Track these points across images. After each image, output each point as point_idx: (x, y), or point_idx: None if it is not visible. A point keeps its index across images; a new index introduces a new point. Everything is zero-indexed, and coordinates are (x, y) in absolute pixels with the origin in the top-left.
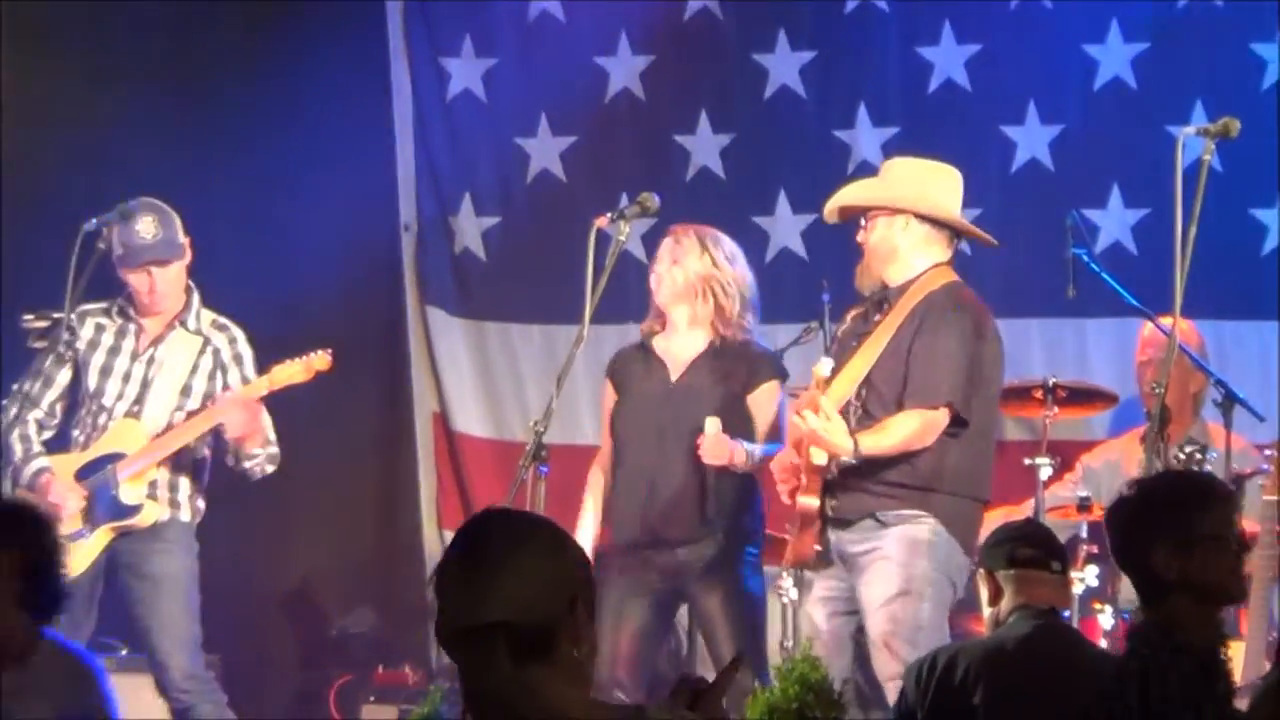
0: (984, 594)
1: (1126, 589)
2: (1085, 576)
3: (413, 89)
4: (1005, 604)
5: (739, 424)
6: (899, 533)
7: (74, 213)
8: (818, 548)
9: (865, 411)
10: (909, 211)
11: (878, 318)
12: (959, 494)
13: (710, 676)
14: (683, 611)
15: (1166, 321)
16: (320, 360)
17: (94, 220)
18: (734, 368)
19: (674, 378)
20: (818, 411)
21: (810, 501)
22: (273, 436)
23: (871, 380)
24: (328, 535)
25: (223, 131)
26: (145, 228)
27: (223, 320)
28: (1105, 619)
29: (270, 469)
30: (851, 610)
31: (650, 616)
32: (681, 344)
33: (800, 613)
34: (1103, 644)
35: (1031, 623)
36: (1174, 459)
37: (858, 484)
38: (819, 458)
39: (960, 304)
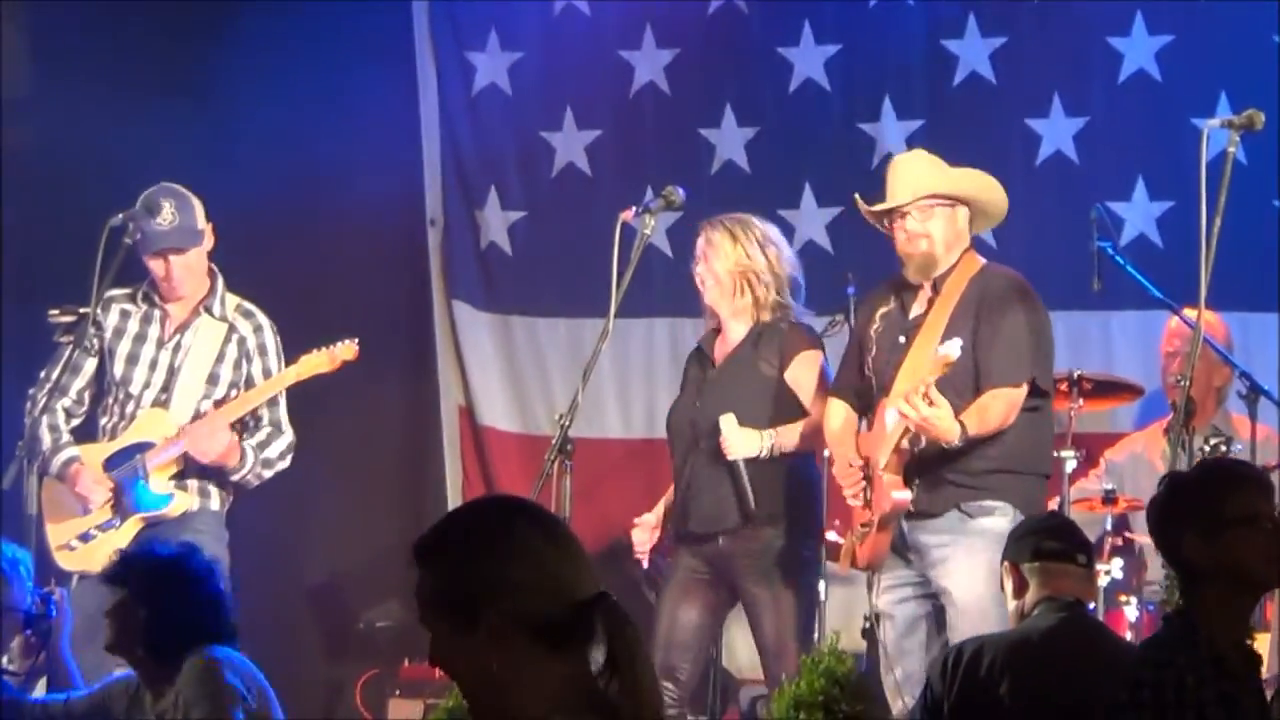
0: (1009, 587)
1: (1152, 581)
2: (1111, 569)
3: (438, 84)
4: (1030, 597)
5: (782, 405)
6: (983, 526)
7: (97, 206)
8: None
9: (931, 401)
10: (970, 202)
11: (922, 309)
12: (1032, 472)
13: (741, 672)
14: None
15: (1191, 314)
16: (346, 350)
17: (120, 216)
18: (767, 350)
19: (713, 369)
20: (927, 399)
21: (904, 495)
22: (277, 448)
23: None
24: (353, 529)
25: (250, 127)
26: (163, 215)
27: (248, 306)
28: (1130, 611)
29: (266, 475)
30: (924, 595)
31: (703, 607)
32: (728, 339)
33: (823, 608)
34: (1128, 636)
35: (1057, 615)
36: (1198, 451)
37: (939, 475)
38: (887, 450)
39: (1012, 282)
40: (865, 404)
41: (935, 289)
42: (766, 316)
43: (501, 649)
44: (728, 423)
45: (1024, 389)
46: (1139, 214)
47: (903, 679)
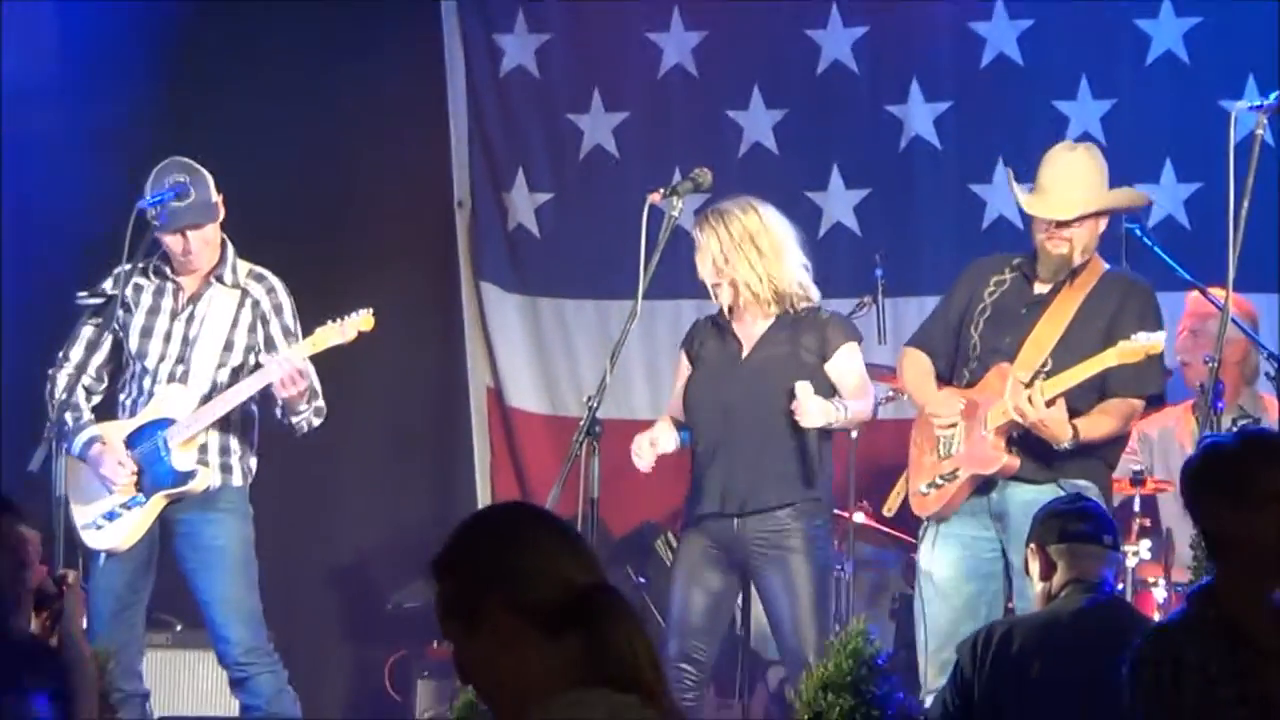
0: (1035, 569)
1: (1180, 562)
2: (1139, 550)
3: (466, 66)
4: (1058, 579)
5: (822, 395)
6: None
7: (114, 182)
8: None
9: (1051, 375)
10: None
11: (1047, 289)
12: (1111, 463)
13: (768, 653)
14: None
15: (1218, 293)
16: (364, 321)
17: (147, 198)
18: (807, 339)
19: (745, 354)
20: (1034, 401)
21: (1014, 461)
22: (318, 388)
23: (1062, 349)
24: (382, 510)
25: (278, 109)
26: (180, 192)
27: (259, 270)
28: (1159, 592)
29: (317, 422)
30: (991, 561)
31: (716, 587)
32: (751, 326)
33: (849, 584)
34: (1156, 618)
35: (1084, 596)
36: (1226, 431)
37: (1046, 446)
38: (1004, 415)
39: (1148, 289)
40: (949, 366)
41: (1067, 277)
42: (778, 310)
43: (506, 640)
44: (804, 389)
45: (1143, 401)
46: (1167, 196)
47: (946, 661)
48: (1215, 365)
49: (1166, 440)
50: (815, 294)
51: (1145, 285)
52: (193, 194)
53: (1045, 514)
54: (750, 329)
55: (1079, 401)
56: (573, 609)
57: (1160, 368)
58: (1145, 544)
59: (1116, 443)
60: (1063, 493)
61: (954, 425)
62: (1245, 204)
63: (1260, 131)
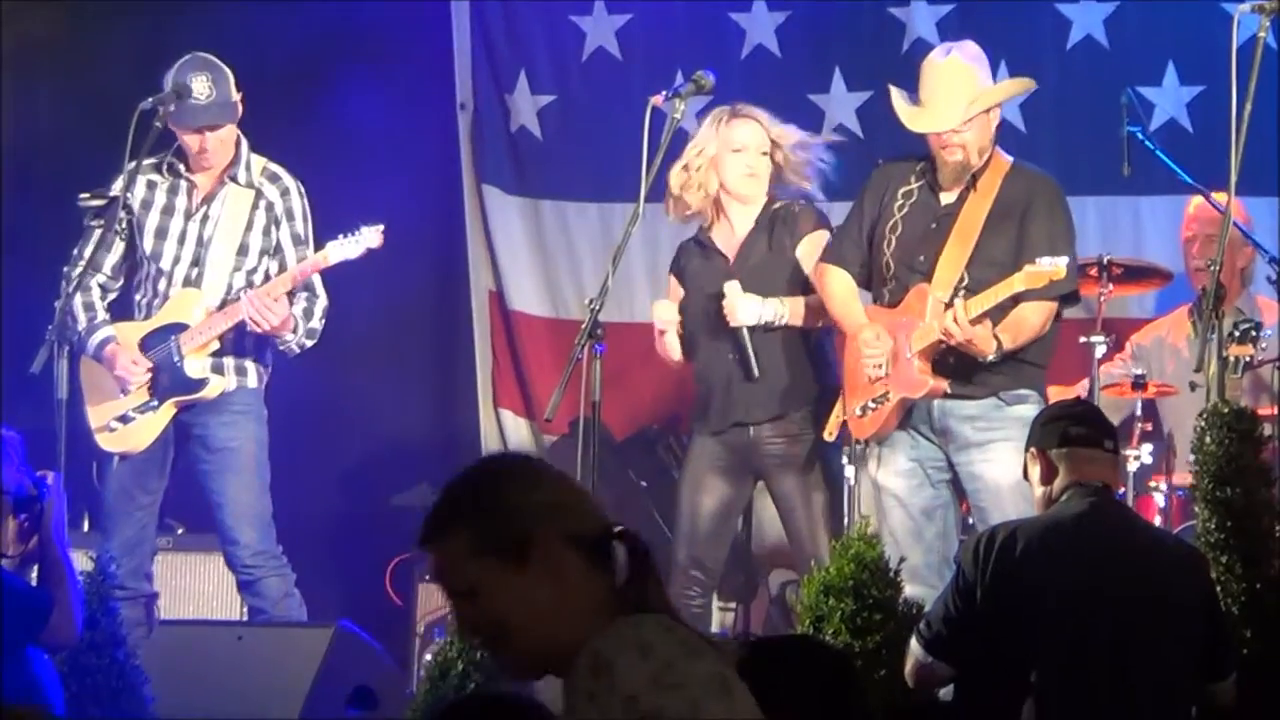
0: (1035, 473)
1: (1181, 466)
2: (1140, 454)
3: None
4: (1059, 482)
5: (797, 286)
6: (1016, 414)
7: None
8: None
9: (970, 291)
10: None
11: (954, 199)
12: (1045, 365)
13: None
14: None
15: (1220, 198)
16: (372, 236)
17: (149, 100)
18: (781, 232)
19: (730, 266)
20: (959, 321)
21: (942, 383)
22: (317, 309)
23: (975, 258)
24: (384, 414)
25: (274, 9)
26: (200, 88)
27: (273, 168)
28: (1159, 497)
29: (308, 343)
30: (944, 480)
31: (725, 494)
32: (734, 229)
33: (856, 491)
34: (1157, 522)
35: (1086, 500)
36: (1227, 337)
37: (976, 362)
38: (928, 337)
39: (1054, 190)
40: (866, 275)
41: (969, 183)
42: (773, 203)
43: (555, 573)
44: (732, 289)
45: (1058, 303)
46: (1169, 99)
47: (913, 568)
48: (1217, 270)
49: (1160, 347)
50: (802, 185)
51: (1048, 184)
52: (211, 92)
53: (1045, 418)
54: (731, 237)
55: (995, 309)
56: (606, 542)
57: (1071, 273)
58: (1147, 448)
59: (1042, 345)
60: (1004, 404)
61: (883, 354)
62: (1248, 107)
63: (1263, 34)
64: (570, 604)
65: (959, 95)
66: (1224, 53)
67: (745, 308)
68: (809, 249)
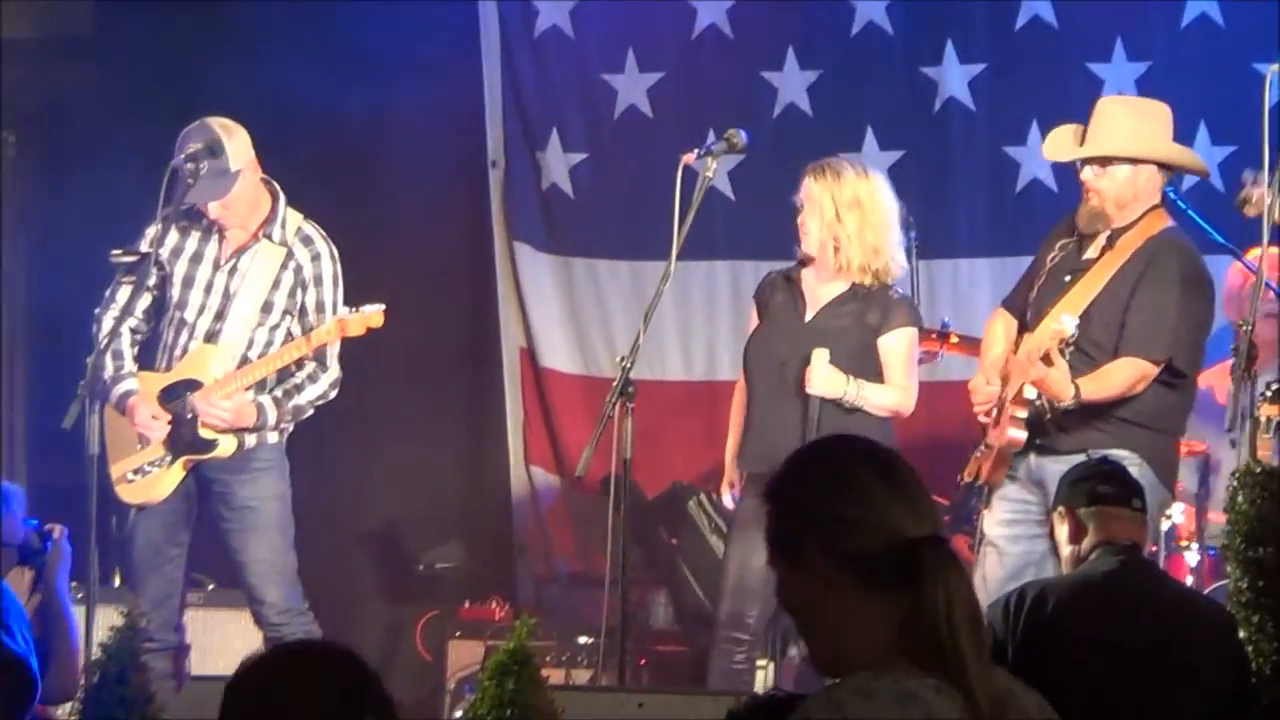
0: (1062, 533)
1: (1213, 526)
2: (1172, 513)
3: (500, 25)
4: (1087, 541)
5: (871, 366)
6: None
7: (155, 143)
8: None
9: (1078, 348)
10: (1157, 162)
11: (1095, 254)
12: (1163, 430)
13: None
14: None
15: (1252, 256)
16: (373, 318)
17: (181, 157)
18: (868, 311)
19: (809, 317)
20: (1048, 359)
21: (1019, 435)
22: (312, 390)
23: (1089, 316)
24: (415, 470)
25: (312, 67)
26: (189, 168)
27: (308, 231)
28: (1191, 556)
29: (325, 401)
30: (1042, 534)
31: None
32: (819, 289)
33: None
34: (1188, 581)
35: (1115, 559)
36: (1260, 396)
37: (1075, 418)
38: (1030, 393)
39: (1183, 258)
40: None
41: (1110, 241)
42: (858, 279)
43: (826, 585)
44: (819, 357)
45: (1158, 366)
46: (1201, 159)
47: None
48: (1250, 329)
49: (1204, 401)
50: (897, 273)
51: (1180, 248)
52: (205, 166)
53: (1073, 477)
54: (818, 291)
55: (1094, 351)
56: (895, 561)
57: (1167, 332)
58: (1179, 507)
59: (1167, 412)
60: None
61: (991, 401)
62: None
63: None
64: (840, 620)
65: (1117, 132)
66: (1256, 112)
67: (824, 378)
68: (896, 341)
